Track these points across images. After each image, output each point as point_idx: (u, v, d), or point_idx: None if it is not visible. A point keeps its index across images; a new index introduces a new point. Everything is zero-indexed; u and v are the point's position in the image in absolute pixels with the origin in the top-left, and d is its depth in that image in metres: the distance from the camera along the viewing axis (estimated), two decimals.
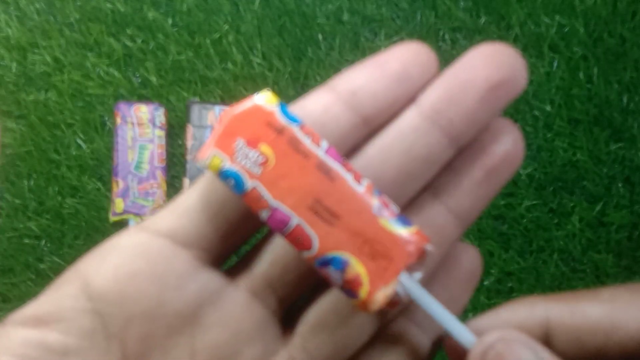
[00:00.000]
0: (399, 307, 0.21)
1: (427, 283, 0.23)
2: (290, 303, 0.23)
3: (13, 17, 0.81)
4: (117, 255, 0.21)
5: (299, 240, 0.20)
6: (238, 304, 0.22)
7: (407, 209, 0.22)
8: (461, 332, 0.21)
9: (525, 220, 0.77)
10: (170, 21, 0.81)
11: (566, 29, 0.81)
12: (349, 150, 0.22)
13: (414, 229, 0.21)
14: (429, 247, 0.21)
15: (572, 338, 0.21)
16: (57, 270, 0.77)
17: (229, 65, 0.80)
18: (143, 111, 0.77)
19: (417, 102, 0.22)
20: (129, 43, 0.81)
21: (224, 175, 0.20)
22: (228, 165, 0.20)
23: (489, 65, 0.21)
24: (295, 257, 0.22)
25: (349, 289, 0.20)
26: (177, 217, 0.21)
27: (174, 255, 0.21)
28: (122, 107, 0.77)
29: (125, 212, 0.76)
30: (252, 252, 0.23)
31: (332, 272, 0.20)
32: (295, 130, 0.20)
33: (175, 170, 0.79)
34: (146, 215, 0.76)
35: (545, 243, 0.77)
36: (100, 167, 0.79)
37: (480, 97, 0.21)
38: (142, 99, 0.80)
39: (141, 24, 0.81)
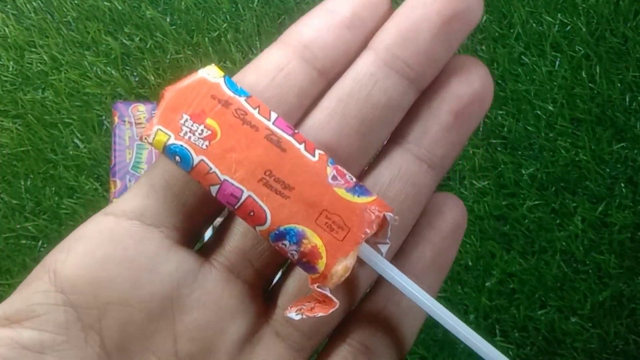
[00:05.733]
0: (336, 306, 0.20)
1: (410, 239, 0.22)
2: (269, 275, 0.22)
3: (10, 15, 0.80)
4: (85, 243, 0.20)
5: (251, 214, 0.19)
6: (215, 281, 0.21)
7: (376, 161, 0.21)
8: (427, 300, 0.20)
9: (527, 220, 0.77)
10: (168, 19, 0.81)
11: (568, 28, 0.81)
12: (309, 104, 0.21)
13: (372, 197, 0.20)
14: (391, 216, 0.20)
15: None
16: None
17: (228, 64, 0.80)
18: (141, 110, 0.76)
19: (370, 45, 0.21)
20: (126, 42, 0.80)
21: (169, 151, 0.19)
22: (173, 140, 0.19)
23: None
24: None
25: (307, 262, 0.20)
26: (143, 197, 0.20)
27: (144, 237, 0.20)
28: (120, 106, 0.76)
29: None
30: (223, 228, 0.22)
31: (287, 246, 0.20)
32: (241, 101, 0.20)
33: None
34: None
35: (547, 244, 0.77)
36: (98, 167, 0.78)
37: (435, 34, 0.20)
38: (140, 98, 0.79)
39: (139, 23, 0.80)
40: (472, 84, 0.21)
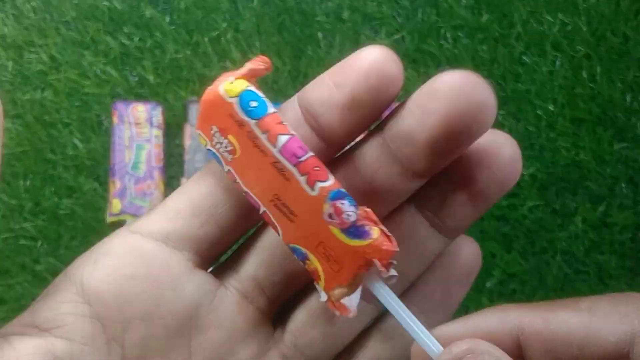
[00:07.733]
0: (351, 315, 0.21)
1: (423, 277, 0.23)
2: (279, 303, 0.23)
3: (9, 15, 0.80)
4: (112, 258, 0.21)
5: (270, 225, 0.21)
6: (230, 305, 0.22)
7: (388, 217, 0.22)
8: (428, 340, 0.20)
9: (528, 221, 0.77)
10: (167, 19, 0.81)
11: (569, 28, 0.80)
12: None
13: (367, 241, 0.20)
14: (377, 265, 0.20)
15: (545, 348, 0.20)
16: (53, 272, 0.76)
17: (228, 63, 0.79)
18: (140, 110, 0.76)
19: (381, 127, 0.21)
20: (126, 41, 0.80)
21: (209, 153, 0.21)
22: (209, 146, 0.21)
23: (451, 99, 0.19)
24: (281, 259, 0.22)
25: (312, 278, 0.21)
26: (169, 220, 0.22)
27: (168, 258, 0.21)
28: (120, 106, 0.76)
29: (122, 212, 0.75)
30: (238, 254, 0.23)
31: (298, 259, 0.21)
32: (251, 125, 0.20)
33: (173, 170, 0.79)
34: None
35: (548, 244, 0.76)
36: (97, 167, 0.78)
37: (442, 136, 0.19)
38: (140, 98, 0.79)
39: (138, 22, 0.80)
40: (497, 167, 0.20)
